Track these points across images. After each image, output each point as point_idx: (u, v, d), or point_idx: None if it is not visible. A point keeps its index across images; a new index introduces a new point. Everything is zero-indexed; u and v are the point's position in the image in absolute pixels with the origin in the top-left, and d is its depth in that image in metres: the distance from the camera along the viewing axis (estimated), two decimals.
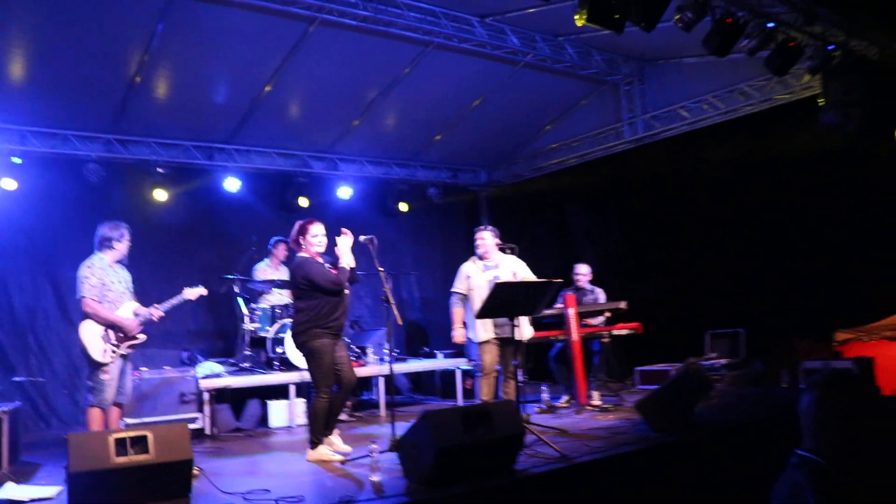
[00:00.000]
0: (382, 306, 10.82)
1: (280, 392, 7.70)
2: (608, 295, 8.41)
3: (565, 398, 7.86)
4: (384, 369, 8.42)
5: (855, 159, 7.48)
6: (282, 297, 8.53)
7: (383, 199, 10.92)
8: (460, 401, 8.68)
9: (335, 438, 5.65)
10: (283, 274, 8.90)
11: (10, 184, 8.01)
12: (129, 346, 5.50)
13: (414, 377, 10.20)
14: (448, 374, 9.25)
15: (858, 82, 6.51)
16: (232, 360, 8.10)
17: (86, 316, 5.36)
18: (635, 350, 8.88)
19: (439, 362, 9.39)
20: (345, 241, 5.66)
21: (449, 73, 8.54)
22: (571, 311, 7.59)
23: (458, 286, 6.86)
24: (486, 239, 6.83)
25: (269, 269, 8.83)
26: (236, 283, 7.93)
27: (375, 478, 4.48)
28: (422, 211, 11.26)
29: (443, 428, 4.29)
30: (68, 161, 8.38)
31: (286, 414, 7.57)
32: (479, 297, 6.51)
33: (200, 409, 7.05)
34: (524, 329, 6.69)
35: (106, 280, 5.43)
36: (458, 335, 6.78)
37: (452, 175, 11.53)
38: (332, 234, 5.73)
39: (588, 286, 8.45)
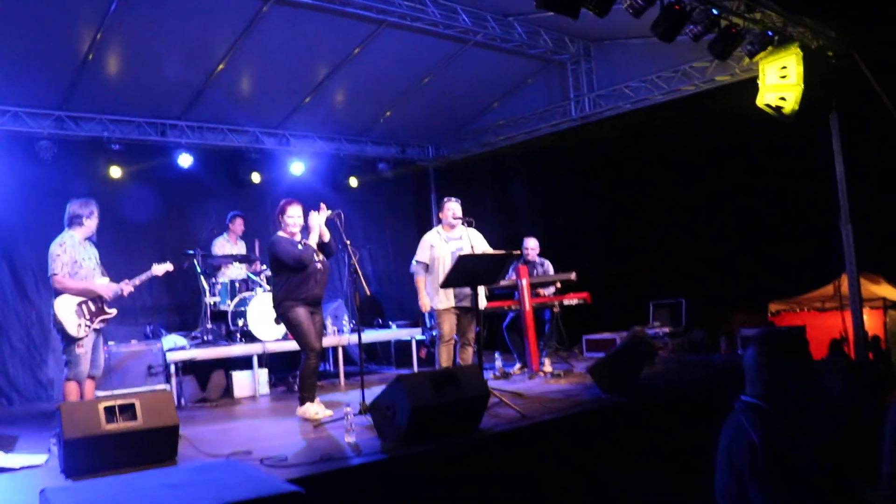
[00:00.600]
0: (338, 279, 11.09)
1: (243, 363, 7.91)
2: (554, 268, 8.78)
3: (518, 365, 8.19)
4: (343, 340, 8.71)
5: (791, 142, 7.84)
6: (241, 270, 8.68)
7: (334, 174, 11.08)
8: (416, 369, 8.99)
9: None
10: (240, 248, 9.06)
11: None
12: (102, 321, 5.67)
13: (368, 347, 10.47)
14: (402, 344, 9.56)
15: (795, 67, 6.90)
16: (194, 334, 8.25)
17: (58, 293, 5.49)
18: (583, 320, 9.33)
19: (396, 332, 9.67)
20: (315, 217, 5.88)
21: (400, 51, 8.65)
22: (524, 282, 7.90)
23: (421, 255, 6.96)
24: (458, 209, 6.94)
25: (227, 244, 8.97)
26: (197, 258, 8.05)
27: (350, 438, 4.74)
28: (371, 186, 11.43)
29: (416, 390, 4.63)
30: (20, 139, 8.31)
31: (250, 384, 7.77)
32: (441, 267, 6.72)
33: (168, 381, 7.23)
34: (481, 299, 6.93)
35: (77, 257, 5.57)
36: (426, 303, 6.89)
37: (401, 150, 11.71)
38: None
39: (537, 259, 8.72)
